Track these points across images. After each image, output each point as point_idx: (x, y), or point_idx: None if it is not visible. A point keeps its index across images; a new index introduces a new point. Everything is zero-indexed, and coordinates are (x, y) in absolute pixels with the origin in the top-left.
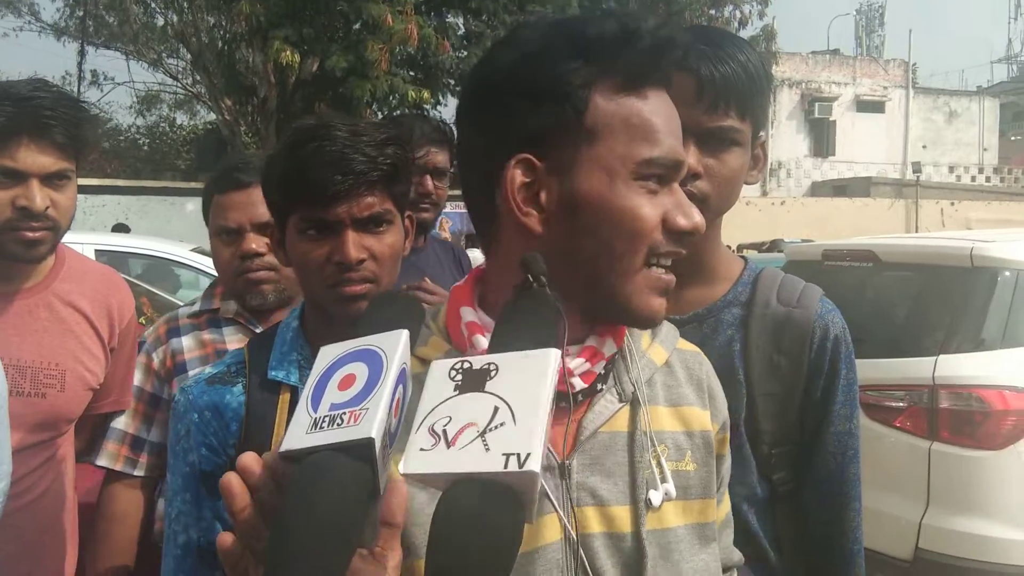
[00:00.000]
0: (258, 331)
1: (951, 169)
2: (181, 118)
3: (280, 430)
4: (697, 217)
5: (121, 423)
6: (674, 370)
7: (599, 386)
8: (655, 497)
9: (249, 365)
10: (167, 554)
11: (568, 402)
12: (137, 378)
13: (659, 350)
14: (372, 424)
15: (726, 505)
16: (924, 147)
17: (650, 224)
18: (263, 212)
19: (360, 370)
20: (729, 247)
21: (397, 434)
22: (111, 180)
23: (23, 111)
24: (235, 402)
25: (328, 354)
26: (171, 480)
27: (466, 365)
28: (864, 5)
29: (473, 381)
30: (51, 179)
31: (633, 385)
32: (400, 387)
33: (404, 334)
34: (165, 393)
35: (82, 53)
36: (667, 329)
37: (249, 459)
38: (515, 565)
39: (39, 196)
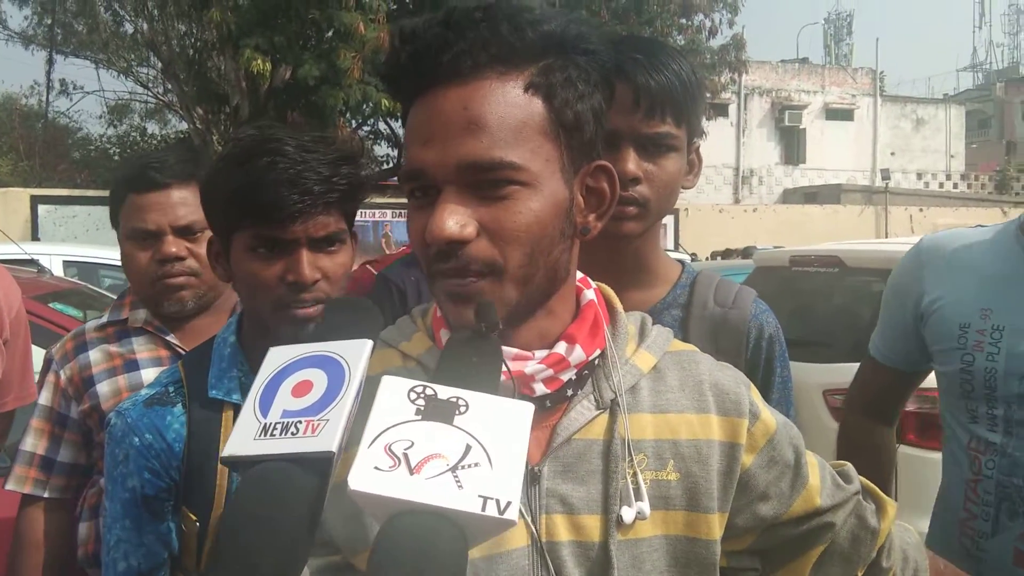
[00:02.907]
0: (169, 338)
1: (919, 176)
2: (152, 127)
3: None
4: (436, 231)
5: (28, 444)
6: (664, 375)
7: (568, 391)
8: (627, 514)
9: (187, 384)
10: None
11: (536, 406)
12: (44, 397)
13: (645, 356)
14: (334, 437)
15: (816, 467)
16: (892, 154)
17: (413, 240)
18: (183, 215)
19: (318, 377)
20: (694, 253)
21: (343, 449)
22: (81, 191)
23: None
24: (176, 423)
25: (279, 357)
26: (109, 507)
27: (429, 391)
28: (832, 14)
29: (439, 411)
30: None
31: (613, 392)
32: (357, 399)
33: (369, 344)
34: (72, 412)
35: (50, 62)
36: (656, 334)
37: None
38: (479, 569)
39: None
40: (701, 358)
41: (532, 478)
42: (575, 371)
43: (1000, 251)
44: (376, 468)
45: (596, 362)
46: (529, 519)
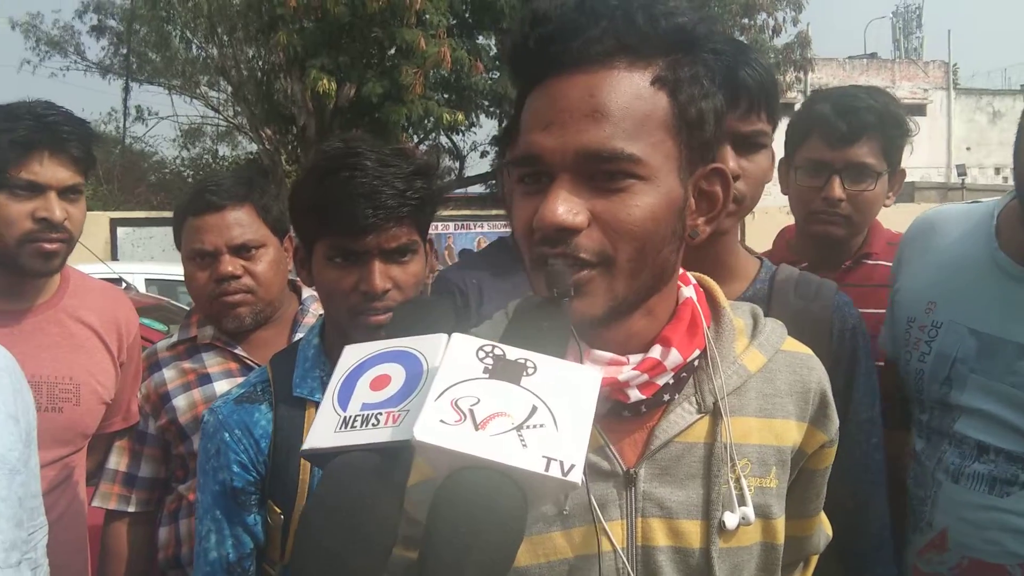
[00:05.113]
0: (237, 351)
1: (997, 170)
2: (223, 149)
3: None
4: (548, 216)
5: (112, 462)
6: (774, 377)
7: (665, 396)
8: (730, 520)
9: (274, 383)
10: (197, 570)
11: (630, 412)
12: None
13: (755, 355)
14: (415, 426)
15: (822, 518)
16: (968, 149)
17: (518, 226)
18: (239, 234)
19: (395, 371)
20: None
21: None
22: (158, 212)
23: (42, 127)
24: (263, 420)
25: (355, 353)
26: (201, 499)
27: (498, 351)
28: (901, 7)
29: (506, 371)
30: (66, 193)
31: (714, 395)
32: None
33: (444, 338)
34: (150, 428)
35: (127, 90)
36: (770, 330)
37: None
38: (573, 569)
39: (58, 208)
40: (816, 365)
41: (627, 480)
42: (672, 375)
43: (973, 232)
44: (442, 421)
45: (696, 363)
46: (624, 522)
